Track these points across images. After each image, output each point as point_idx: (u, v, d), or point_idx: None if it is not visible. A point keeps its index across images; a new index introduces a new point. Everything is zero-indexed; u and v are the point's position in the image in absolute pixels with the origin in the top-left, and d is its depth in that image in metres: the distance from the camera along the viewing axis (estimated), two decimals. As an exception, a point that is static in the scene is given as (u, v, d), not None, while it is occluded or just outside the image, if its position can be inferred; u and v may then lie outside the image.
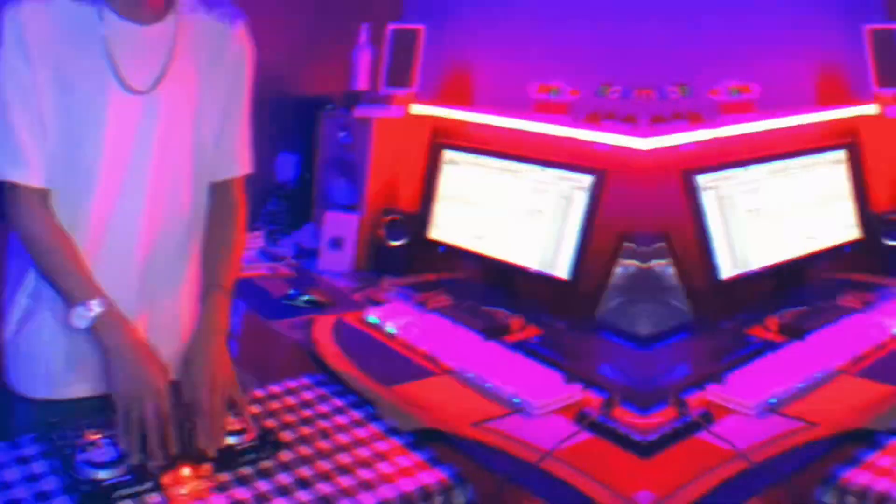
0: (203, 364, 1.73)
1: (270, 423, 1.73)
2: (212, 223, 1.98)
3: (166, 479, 1.46)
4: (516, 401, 1.92)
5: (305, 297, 2.66)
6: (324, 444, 1.66)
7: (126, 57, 1.70)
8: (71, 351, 1.79)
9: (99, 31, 1.67)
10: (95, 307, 1.64)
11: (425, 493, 1.51)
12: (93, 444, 1.51)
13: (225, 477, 1.52)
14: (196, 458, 1.52)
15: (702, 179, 2.40)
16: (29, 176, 1.68)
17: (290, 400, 1.87)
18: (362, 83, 3.21)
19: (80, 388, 1.82)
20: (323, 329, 2.40)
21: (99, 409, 1.68)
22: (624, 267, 2.35)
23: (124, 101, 1.72)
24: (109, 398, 1.63)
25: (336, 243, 3.05)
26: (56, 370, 1.82)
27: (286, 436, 1.68)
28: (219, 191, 1.99)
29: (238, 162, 2.00)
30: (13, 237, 1.83)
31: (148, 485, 1.45)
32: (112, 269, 1.77)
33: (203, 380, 1.69)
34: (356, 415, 1.81)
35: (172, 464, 1.50)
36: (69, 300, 1.67)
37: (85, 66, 1.68)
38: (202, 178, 1.93)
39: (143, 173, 1.79)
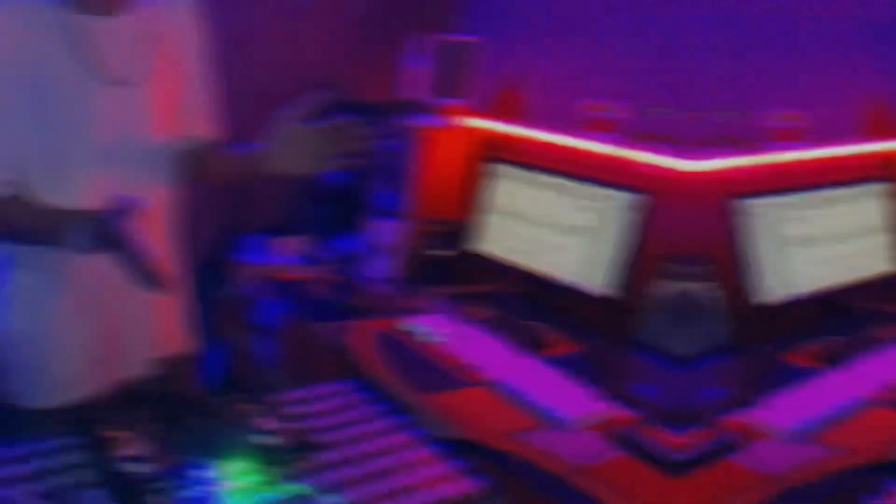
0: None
1: (306, 425, 1.74)
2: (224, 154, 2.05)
3: (200, 475, 1.48)
4: (551, 415, 1.94)
5: (348, 303, 2.67)
6: (358, 450, 1.67)
7: (91, 49, 1.71)
8: (66, 355, 1.86)
9: (65, 27, 1.68)
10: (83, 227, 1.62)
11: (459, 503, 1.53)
12: (125, 437, 1.53)
13: (258, 477, 1.52)
14: (231, 457, 1.53)
15: (745, 204, 2.40)
16: None
17: (327, 404, 1.88)
18: (413, 93, 3.23)
19: (83, 389, 1.88)
20: (363, 335, 2.42)
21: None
22: (664, 287, 2.36)
23: (101, 93, 1.74)
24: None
25: (381, 250, 3.06)
26: (58, 375, 1.87)
27: (321, 439, 1.69)
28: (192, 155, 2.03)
29: (209, 126, 2.05)
30: None
31: (182, 480, 1.46)
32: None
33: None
34: (393, 421, 1.81)
35: (216, 459, 1.51)
36: (56, 238, 1.64)
37: (56, 62, 1.68)
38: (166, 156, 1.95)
39: (121, 160, 1.81)
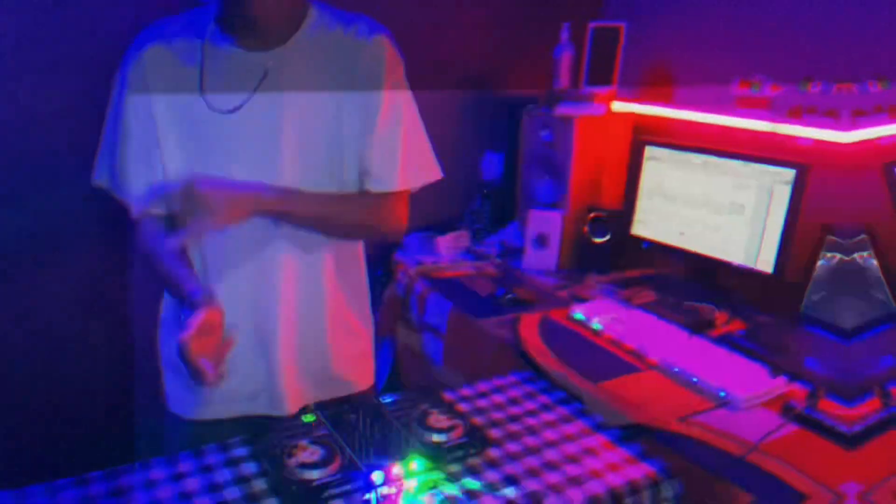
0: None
1: (478, 420, 1.76)
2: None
3: (376, 477, 1.49)
4: (722, 394, 1.95)
5: (511, 296, 2.71)
6: (531, 441, 1.68)
7: (215, 79, 1.77)
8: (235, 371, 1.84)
9: (201, 51, 1.77)
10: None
11: (633, 488, 1.53)
12: (299, 445, 1.57)
13: (434, 474, 1.55)
14: (405, 456, 1.55)
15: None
16: (145, 205, 1.80)
17: (498, 397, 1.90)
18: (564, 82, 3.24)
19: (232, 408, 1.94)
20: (529, 327, 2.45)
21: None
22: (826, 260, 2.34)
23: (212, 120, 1.77)
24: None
25: (540, 241, 3.09)
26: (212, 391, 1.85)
27: (494, 433, 1.71)
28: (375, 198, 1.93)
29: (387, 178, 1.90)
30: None
31: (357, 483, 1.49)
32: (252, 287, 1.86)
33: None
34: (563, 411, 1.82)
35: (389, 460, 1.53)
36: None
37: (190, 93, 1.77)
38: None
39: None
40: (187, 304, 1.66)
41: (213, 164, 1.76)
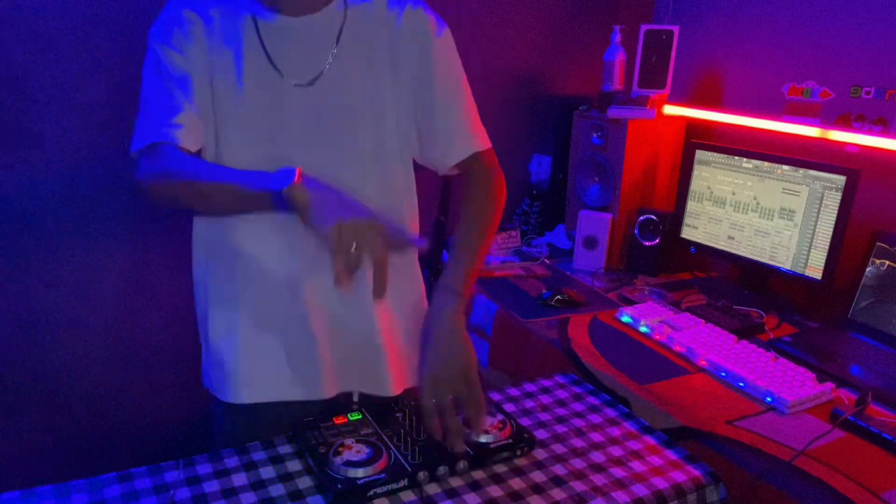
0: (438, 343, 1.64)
1: (525, 421, 1.77)
2: (462, 206, 1.86)
3: (421, 476, 1.51)
4: (769, 399, 1.96)
5: (559, 297, 2.71)
6: (577, 443, 1.69)
7: (282, 49, 1.67)
8: (261, 357, 1.82)
9: (252, 24, 1.67)
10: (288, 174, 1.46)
11: (679, 492, 1.54)
12: (344, 443, 1.58)
13: (479, 475, 1.56)
14: (451, 457, 1.56)
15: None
16: (184, 139, 1.60)
17: (545, 399, 1.91)
18: (615, 84, 3.25)
19: (284, 392, 1.83)
20: (578, 328, 2.46)
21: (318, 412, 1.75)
22: (875, 266, 2.33)
23: (283, 93, 1.68)
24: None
25: (589, 243, 3.09)
26: (247, 374, 1.83)
27: (540, 434, 1.72)
28: (463, 171, 1.90)
29: (460, 144, 1.85)
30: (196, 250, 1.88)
31: (402, 482, 1.49)
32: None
33: (438, 362, 1.62)
34: (610, 413, 1.84)
35: (427, 463, 1.54)
36: (264, 192, 1.44)
37: (242, 58, 1.66)
38: (397, 168, 1.85)
39: (308, 161, 1.59)
40: (278, 192, 1.41)
41: (292, 140, 1.70)
